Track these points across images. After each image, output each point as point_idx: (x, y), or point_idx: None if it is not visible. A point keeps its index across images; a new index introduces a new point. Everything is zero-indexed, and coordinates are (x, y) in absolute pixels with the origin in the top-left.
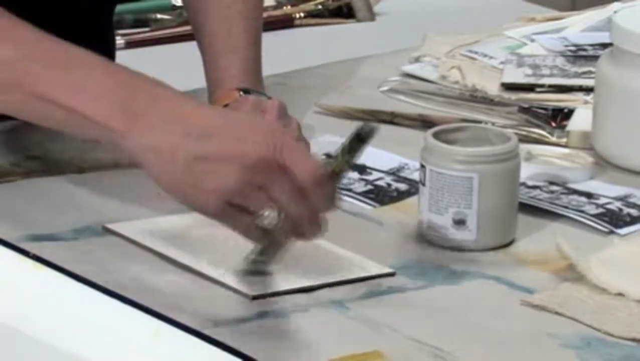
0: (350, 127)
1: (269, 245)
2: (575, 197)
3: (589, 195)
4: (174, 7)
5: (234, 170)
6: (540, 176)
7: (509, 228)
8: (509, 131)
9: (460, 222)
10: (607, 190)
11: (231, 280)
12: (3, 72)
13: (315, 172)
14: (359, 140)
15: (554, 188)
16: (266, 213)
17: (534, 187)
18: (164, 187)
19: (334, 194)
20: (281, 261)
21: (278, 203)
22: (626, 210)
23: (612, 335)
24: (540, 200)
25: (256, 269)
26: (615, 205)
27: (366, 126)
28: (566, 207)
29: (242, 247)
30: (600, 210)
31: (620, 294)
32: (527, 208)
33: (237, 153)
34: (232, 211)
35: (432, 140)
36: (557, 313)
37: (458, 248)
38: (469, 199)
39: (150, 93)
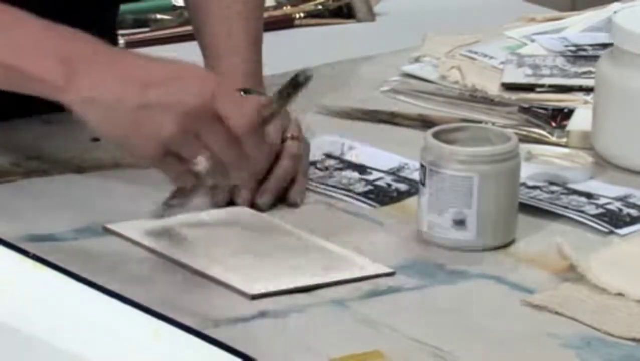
0: (351, 127)
1: (191, 191)
2: (575, 197)
3: (589, 195)
4: (174, 7)
5: (171, 119)
6: (540, 176)
7: (509, 228)
8: (509, 131)
9: (460, 222)
10: (607, 190)
11: (231, 280)
12: None
13: (248, 120)
14: (294, 86)
15: (554, 188)
16: (199, 160)
17: (534, 187)
18: (107, 138)
19: (263, 142)
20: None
21: (210, 150)
22: (626, 210)
23: (612, 335)
24: (540, 200)
25: (169, 213)
26: (615, 205)
27: (302, 73)
28: (566, 207)
29: (242, 246)
30: (600, 210)
31: (620, 294)
32: (527, 208)
33: (175, 102)
34: (169, 158)
35: (432, 140)
36: (557, 313)
37: (458, 248)
38: (469, 199)
39: (89, 48)
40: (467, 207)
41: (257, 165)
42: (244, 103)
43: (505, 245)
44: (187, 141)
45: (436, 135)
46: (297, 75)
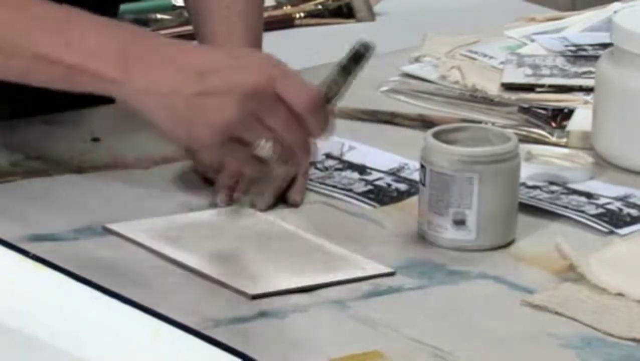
0: (351, 127)
1: (260, 180)
2: (575, 197)
3: (588, 195)
4: (174, 7)
5: (231, 102)
6: (540, 176)
7: (509, 228)
8: (509, 131)
9: (460, 222)
10: (607, 190)
11: (231, 280)
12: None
13: (309, 98)
14: (355, 59)
15: (554, 188)
16: (263, 143)
17: (534, 187)
18: (165, 128)
19: (327, 119)
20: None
21: (274, 131)
22: (626, 210)
23: (612, 335)
24: (540, 200)
25: (243, 207)
26: (615, 205)
27: (361, 44)
28: (566, 207)
29: (243, 246)
30: (600, 210)
31: (620, 294)
32: (527, 208)
33: (233, 85)
34: (231, 143)
35: (432, 140)
36: (557, 313)
37: (458, 248)
38: (469, 199)
39: (143, 40)
40: (467, 207)
41: (308, 154)
42: (304, 82)
43: (505, 245)
44: (249, 124)
45: (436, 135)
46: (355, 48)
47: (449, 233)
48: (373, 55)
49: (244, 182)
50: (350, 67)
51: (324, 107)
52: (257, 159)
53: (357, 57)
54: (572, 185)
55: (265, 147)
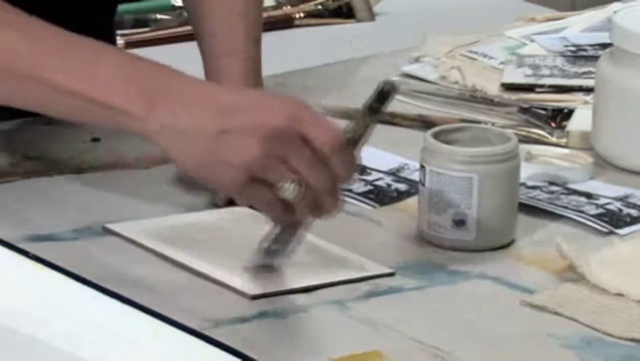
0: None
1: (285, 228)
2: (575, 197)
3: (588, 196)
4: (174, 7)
5: (255, 142)
6: (540, 176)
7: (509, 229)
8: (509, 131)
9: (460, 222)
10: (607, 190)
11: (231, 280)
12: (10, 60)
13: (334, 139)
14: (379, 99)
15: (554, 188)
16: (287, 185)
17: (534, 187)
18: (187, 167)
19: (354, 161)
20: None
21: (299, 173)
22: (626, 210)
23: (612, 335)
24: (540, 200)
25: (269, 261)
26: (615, 206)
27: (387, 83)
28: (566, 207)
29: (243, 246)
30: (600, 210)
31: (620, 294)
32: (527, 208)
33: (258, 125)
34: (255, 185)
35: (431, 141)
36: (556, 313)
37: (458, 249)
38: (468, 199)
39: (164, 76)
40: (467, 207)
41: (335, 199)
42: (330, 123)
43: (505, 245)
44: (273, 165)
45: (436, 136)
46: (381, 87)
47: (448, 233)
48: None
49: (273, 235)
50: (375, 107)
51: (350, 148)
52: (283, 202)
53: (383, 97)
54: (572, 186)
55: (289, 189)
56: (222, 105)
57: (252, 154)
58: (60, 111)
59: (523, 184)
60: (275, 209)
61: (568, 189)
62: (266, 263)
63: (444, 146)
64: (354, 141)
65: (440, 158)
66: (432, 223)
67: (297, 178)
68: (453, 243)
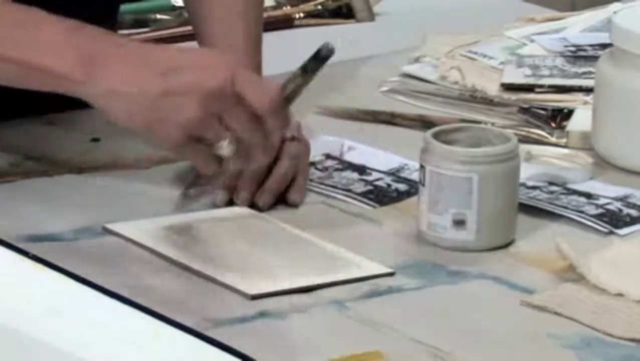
0: (351, 127)
1: (215, 177)
2: (575, 197)
3: (588, 196)
4: (174, 8)
5: (192, 102)
6: (540, 176)
7: (509, 229)
8: (509, 131)
9: (459, 223)
10: (607, 190)
11: (231, 280)
12: None
13: (269, 99)
14: (317, 60)
15: (554, 188)
16: (224, 143)
17: (534, 188)
18: (129, 127)
19: (286, 119)
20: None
21: (234, 131)
22: (626, 210)
23: (611, 335)
24: (539, 200)
25: (189, 203)
26: (615, 206)
27: (325, 46)
28: (566, 207)
29: (242, 247)
30: (600, 210)
31: (620, 294)
32: (527, 208)
33: (194, 85)
34: (193, 142)
35: (431, 141)
36: (556, 313)
37: (458, 249)
38: (468, 200)
39: (105, 40)
40: (467, 207)
41: (267, 154)
42: (265, 82)
43: (505, 245)
44: (210, 124)
45: (436, 136)
46: (319, 49)
47: (448, 233)
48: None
49: (192, 181)
50: (310, 68)
51: (284, 107)
52: (218, 158)
53: (319, 58)
54: (572, 186)
55: (225, 147)
56: (161, 66)
57: (191, 114)
58: (4, 79)
59: (523, 184)
60: (211, 165)
61: (568, 189)
62: (184, 206)
63: (444, 146)
64: (287, 100)
65: (440, 159)
66: (432, 223)
67: (233, 136)
68: (453, 244)
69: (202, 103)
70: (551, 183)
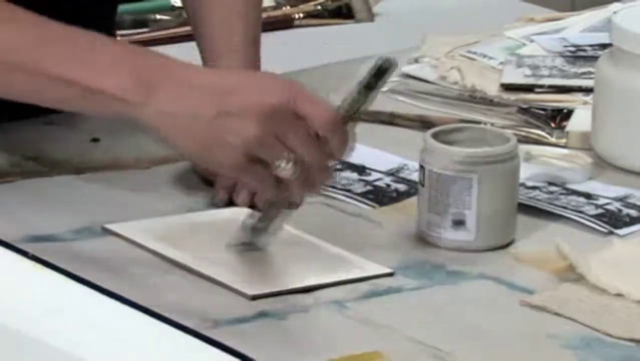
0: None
1: (272, 206)
2: (574, 197)
3: (588, 196)
4: (173, 8)
5: (252, 122)
6: (540, 176)
7: (509, 229)
8: (508, 132)
9: (459, 223)
10: (607, 190)
11: (231, 280)
12: (12, 56)
13: (329, 117)
14: (376, 75)
15: (553, 188)
16: (284, 164)
17: (533, 188)
18: (185, 151)
19: (347, 138)
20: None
21: (294, 151)
22: (625, 210)
23: (611, 336)
24: (539, 200)
25: (254, 239)
26: (614, 206)
27: (384, 60)
28: (565, 208)
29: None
30: (600, 210)
31: (619, 294)
32: (526, 208)
33: (254, 105)
34: (253, 164)
35: (431, 141)
36: (556, 313)
37: (457, 249)
38: (468, 200)
39: (160, 63)
40: (466, 207)
41: (326, 175)
42: (324, 101)
43: (504, 245)
44: (270, 144)
45: (435, 136)
46: (378, 64)
47: (448, 233)
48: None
49: (259, 214)
50: (371, 83)
51: (344, 126)
52: (277, 181)
53: (379, 73)
54: (571, 186)
55: (286, 168)
56: (218, 88)
57: (250, 134)
58: (57, 101)
59: (523, 184)
60: (271, 187)
61: (567, 189)
62: (251, 241)
63: (444, 146)
64: (348, 118)
65: (439, 159)
66: (431, 223)
67: (293, 156)
68: (452, 244)
69: (261, 123)
70: (550, 184)
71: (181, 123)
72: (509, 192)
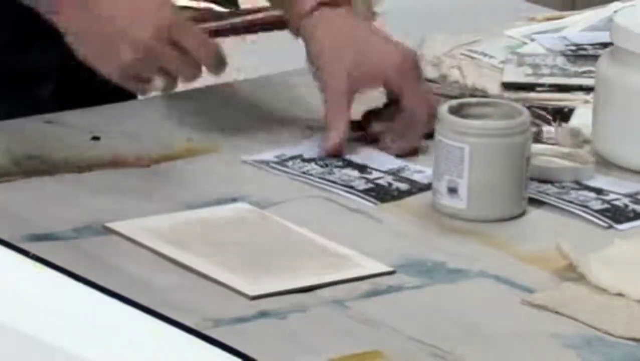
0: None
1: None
2: (585, 192)
3: (599, 191)
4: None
5: (128, 49)
6: (540, 175)
7: (505, 204)
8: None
9: (453, 190)
10: (621, 186)
11: (231, 280)
12: None
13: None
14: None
15: (566, 183)
16: (158, 80)
17: (545, 181)
18: (81, 58)
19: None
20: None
21: (169, 72)
22: (632, 206)
23: (612, 335)
24: (548, 195)
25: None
26: (622, 202)
27: None
28: (571, 202)
29: (242, 246)
30: (606, 205)
31: (620, 294)
32: (532, 202)
33: (131, 34)
34: (132, 77)
35: (442, 111)
36: (557, 312)
37: (451, 216)
38: (460, 169)
39: None
40: (459, 176)
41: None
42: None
43: (502, 220)
44: (147, 65)
45: (457, 109)
46: None
47: (444, 199)
48: None
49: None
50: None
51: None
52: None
53: None
54: (585, 182)
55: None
56: (107, 12)
57: (126, 59)
58: None
59: (535, 179)
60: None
61: (580, 184)
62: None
63: (447, 115)
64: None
65: (443, 128)
66: (435, 188)
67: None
68: (447, 210)
69: (137, 51)
70: (550, 183)
71: (76, 38)
72: (503, 167)
